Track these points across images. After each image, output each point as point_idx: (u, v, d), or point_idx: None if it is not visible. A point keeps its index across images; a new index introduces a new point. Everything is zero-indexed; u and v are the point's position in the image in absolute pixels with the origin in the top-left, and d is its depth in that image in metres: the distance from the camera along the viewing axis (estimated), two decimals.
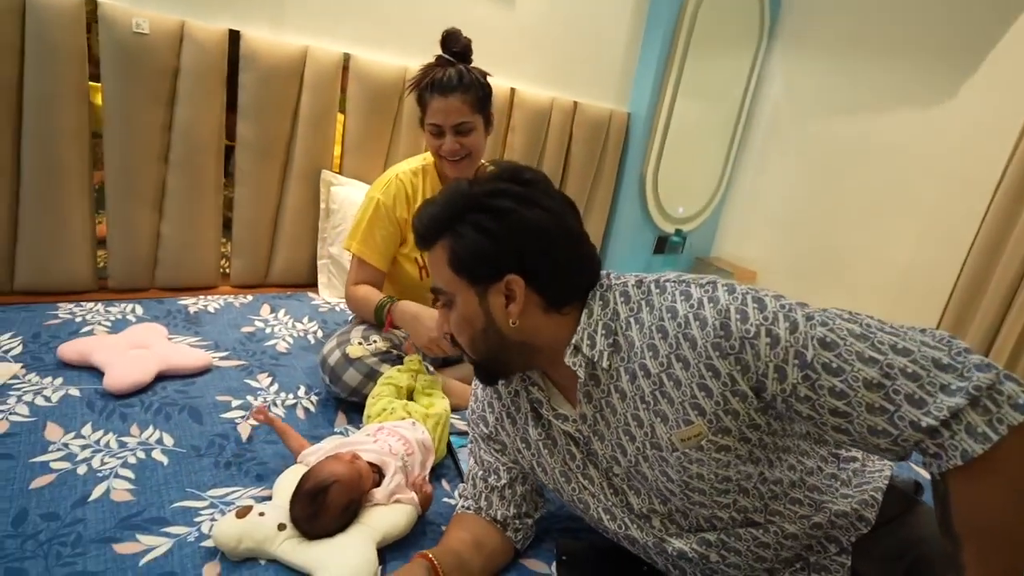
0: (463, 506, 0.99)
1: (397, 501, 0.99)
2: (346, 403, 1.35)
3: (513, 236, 0.75)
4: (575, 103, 2.50)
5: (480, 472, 0.98)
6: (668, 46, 2.56)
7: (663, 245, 2.98)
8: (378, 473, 1.03)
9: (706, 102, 2.79)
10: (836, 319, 0.66)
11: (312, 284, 2.04)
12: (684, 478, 0.74)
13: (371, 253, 1.44)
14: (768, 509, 0.78)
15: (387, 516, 0.96)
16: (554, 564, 0.99)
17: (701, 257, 3.19)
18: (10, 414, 1.14)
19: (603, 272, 0.82)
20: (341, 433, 1.25)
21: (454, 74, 1.35)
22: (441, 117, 1.36)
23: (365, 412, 1.22)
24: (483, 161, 1.53)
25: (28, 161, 1.55)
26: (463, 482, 1.13)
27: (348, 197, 1.96)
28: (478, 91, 1.37)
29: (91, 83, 1.61)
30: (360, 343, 1.34)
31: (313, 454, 1.07)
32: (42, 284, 1.65)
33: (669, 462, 0.74)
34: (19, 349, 1.36)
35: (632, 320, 0.75)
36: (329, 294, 1.99)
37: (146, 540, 0.91)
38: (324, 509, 0.91)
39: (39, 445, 1.08)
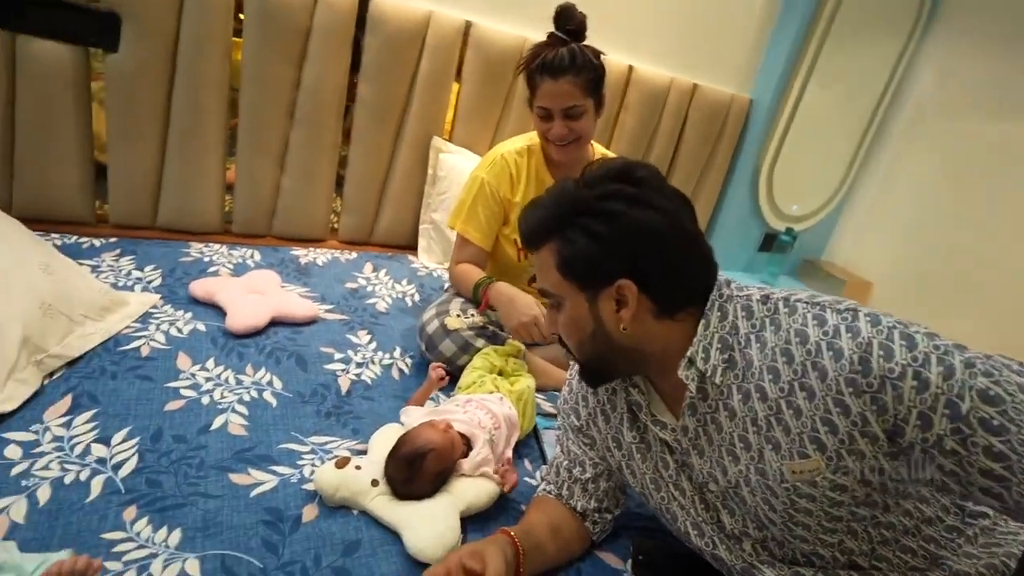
0: (544, 489, 1.00)
1: (482, 475, 1.02)
2: None
3: (625, 240, 0.72)
4: (694, 85, 2.38)
5: (566, 462, 0.98)
6: (805, 29, 2.36)
7: (770, 243, 2.81)
8: (466, 444, 1.06)
9: (840, 92, 2.57)
10: (1003, 370, 0.59)
11: (412, 247, 2.11)
12: (789, 510, 0.71)
13: (474, 232, 1.45)
14: (875, 554, 0.73)
15: (472, 488, 0.99)
16: (629, 562, 0.98)
17: (810, 259, 2.99)
18: (150, 340, 1.27)
19: (721, 277, 0.78)
20: (432, 400, 1.29)
21: (566, 54, 1.29)
22: (550, 100, 1.32)
23: (459, 382, 1.26)
24: (594, 144, 1.50)
25: (176, 108, 1.69)
26: (545, 464, 1.15)
27: (456, 166, 1.98)
28: (590, 73, 1.31)
29: (234, 39, 1.71)
30: (458, 315, 1.37)
31: (408, 415, 1.12)
32: (179, 223, 1.81)
33: (775, 491, 0.71)
34: (159, 281, 1.51)
35: (753, 337, 0.72)
36: (428, 258, 2.05)
37: (256, 474, 1.00)
38: (418, 474, 0.95)
39: (172, 372, 1.19)
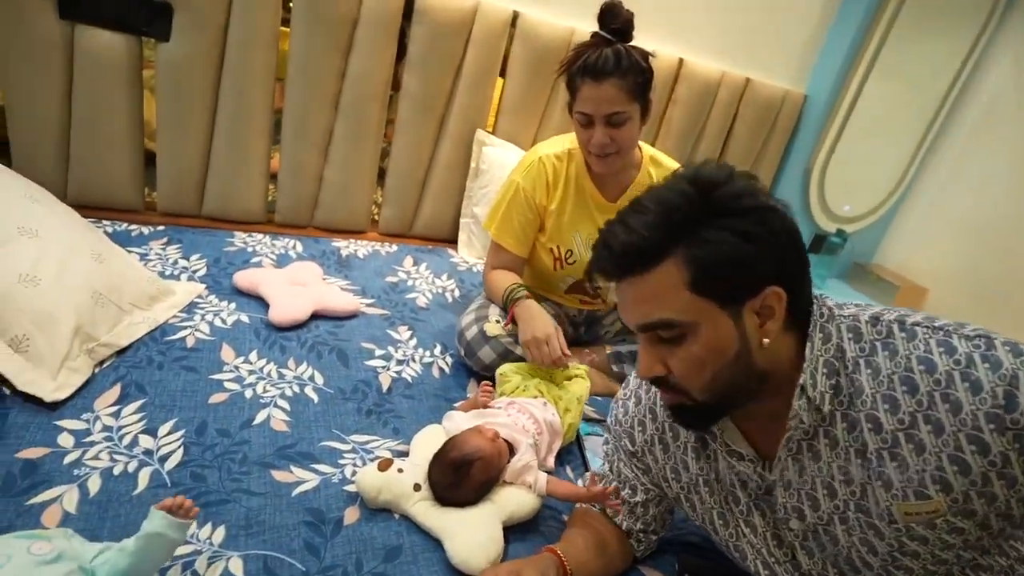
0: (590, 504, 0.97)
1: (523, 482, 1.00)
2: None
3: (775, 238, 0.63)
4: (747, 79, 2.29)
5: (614, 481, 0.94)
6: (868, 20, 2.25)
7: (819, 244, 2.71)
8: (508, 449, 1.03)
9: (903, 87, 2.44)
10: None
11: (452, 241, 2.09)
12: (895, 553, 0.65)
13: (508, 238, 1.40)
14: None
15: (515, 497, 0.97)
16: None
17: (861, 263, 2.87)
18: (195, 331, 1.28)
19: (815, 293, 0.71)
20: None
21: (610, 56, 1.19)
22: (592, 105, 1.22)
23: (498, 389, 1.23)
24: (642, 145, 1.42)
25: (223, 97, 1.69)
26: (588, 471, 1.12)
27: (498, 159, 1.95)
28: (637, 76, 1.21)
29: (281, 28, 1.71)
30: (498, 321, 1.34)
31: (451, 419, 1.10)
32: (224, 212, 1.82)
33: (880, 532, 0.65)
34: (204, 271, 1.52)
35: (862, 363, 0.65)
36: (468, 253, 2.03)
37: (298, 472, 0.99)
38: (464, 481, 0.93)
39: (216, 364, 1.20)
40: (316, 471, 1.00)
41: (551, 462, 1.13)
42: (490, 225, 1.42)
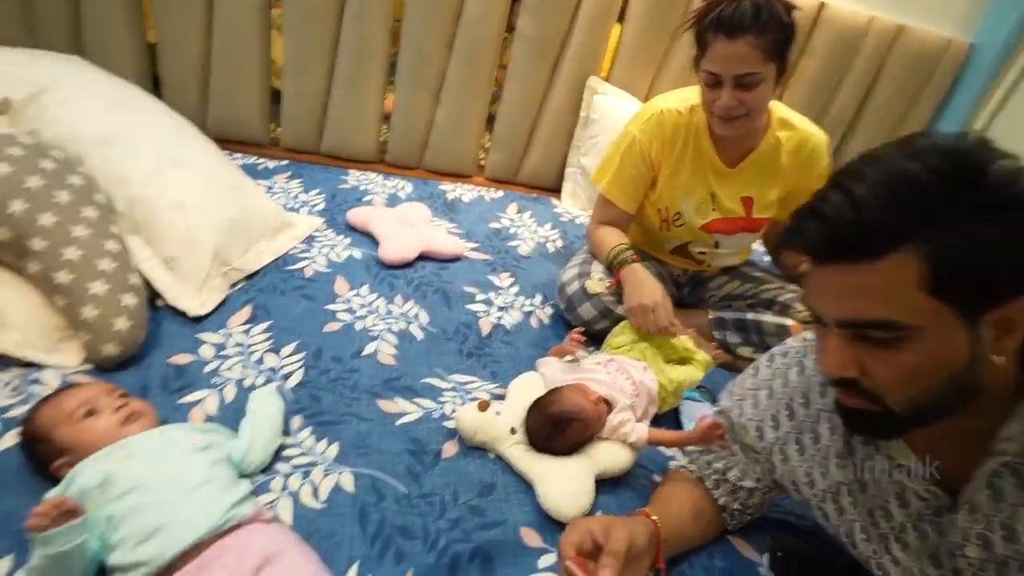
0: (688, 469, 0.95)
1: (620, 437, 1.00)
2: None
3: None
4: (900, 26, 2.02)
5: (723, 461, 0.90)
6: None
7: None
8: (606, 406, 1.03)
9: None
10: None
11: (557, 190, 2.06)
12: None
13: (618, 193, 1.34)
14: None
15: (610, 453, 0.98)
16: (766, 556, 0.92)
17: None
18: (313, 262, 1.36)
19: None
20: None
21: (748, 9, 1.06)
22: (721, 65, 1.11)
23: (609, 339, 1.23)
24: (775, 104, 1.29)
25: (344, 38, 1.74)
26: None
27: (609, 109, 1.88)
28: (776, 33, 1.08)
29: None
30: (600, 279, 1.32)
31: (547, 366, 1.12)
32: (340, 150, 1.90)
33: None
34: (322, 206, 1.61)
35: None
36: (572, 203, 2.00)
37: (402, 404, 1.05)
38: (560, 437, 0.94)
39: (331, 295, 1.28)
40: (418, 405, 1.06)
41: (645, 424, 1.12)
42: (600, 179, 1.38)
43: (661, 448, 1.10)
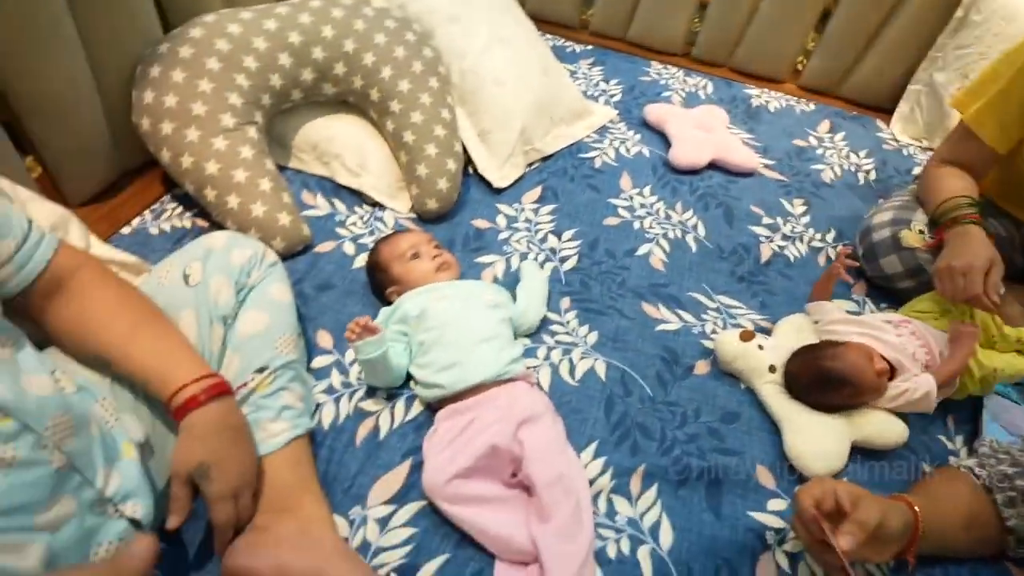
0: (975, 473, 0.81)
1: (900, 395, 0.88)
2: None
3: None
4: None
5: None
6: None
7: None
8: (890, 372, 0.91)
9: None
10: None
11: (887, 111, 1.71)
12: None
13: (990, 125, 1.03)
14: None
15: (878, 423, 0.88)
16: None
17: None
18: (603, 154, 1.40)
19: None
20: (857, 303, 1.13)
21: None
22: None
23: (909, 303, 1.06)
24: None
25: None
26: (977, 440, 0.93)
27: (1005, 8, 1.44)
28: None
29: None
30: (921, 231, 1.09)
31: (821, 311, 1.02)
32: (645, 38, 1.83)
33: None
34: (619, 97, 1.60)
35: None
36: (903, 130, 1.66)
37: (663, 311, 1.07)
38: (825, 394, 0.87)
39: (615, 189, 1.31)
40: (680, 316, 1.06)
41: None
42: (966, 103, 1.08)
43: (942, 438, 0.94)
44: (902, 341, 0.94)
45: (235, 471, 0.64)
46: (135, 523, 0.58)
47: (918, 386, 0.87)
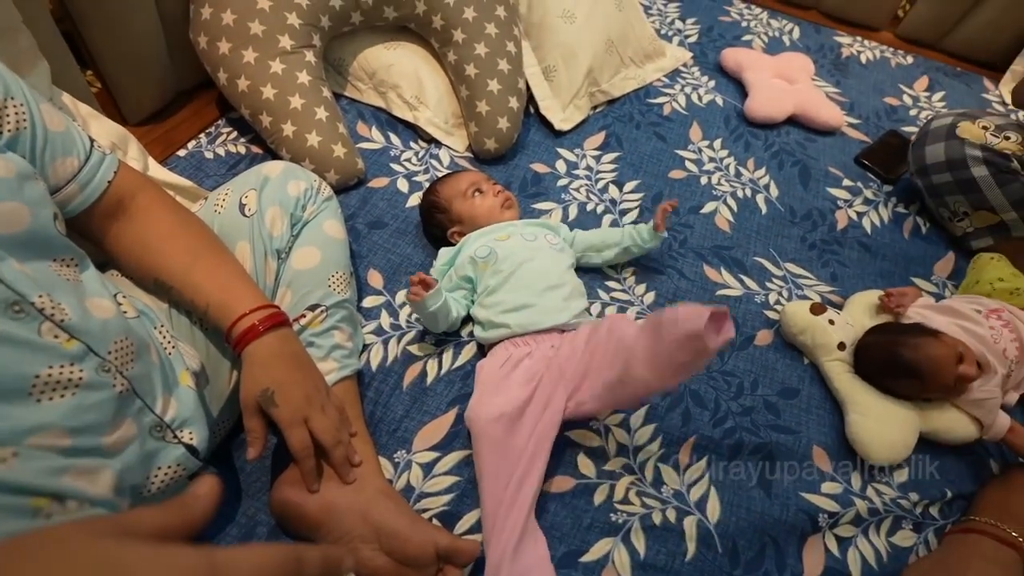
0: None
1: (973, 411, 0.82)
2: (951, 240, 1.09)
3: None
4: None
5: None
6: None
7: None
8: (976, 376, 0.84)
9: None
10: None
11: (999, 69, 1.54)
12: None
13: None
14: None
15: (952, 418, 0.82)
16: None
17: None
18: (673, 100, 1.30)
19: None
20: (936, 287, 1.05)
21: None
22: None
23: (970, 273, 0.97)
24: None
25: None
26: None
27: None
28: None
29: None
30: (984, 127, 1.01)
31: (905, 296, 0.94)
32: None
33: None
34: (695, 38, 1.48)
35: None
36: (1008, 92, 1.49)
37: (726, 275, 1.01)
38: (894, 382, 0.82)
39: (683, 140, 1.23)
40: (742, 282, 1.01)
41: (1014, 398, 0.89)
42: None
43: None
44: (993, 334, 0.87)
45: (300, 394, 0.63)
46: (191, 449, 0.59)
47: (994, 422, 0.81)
